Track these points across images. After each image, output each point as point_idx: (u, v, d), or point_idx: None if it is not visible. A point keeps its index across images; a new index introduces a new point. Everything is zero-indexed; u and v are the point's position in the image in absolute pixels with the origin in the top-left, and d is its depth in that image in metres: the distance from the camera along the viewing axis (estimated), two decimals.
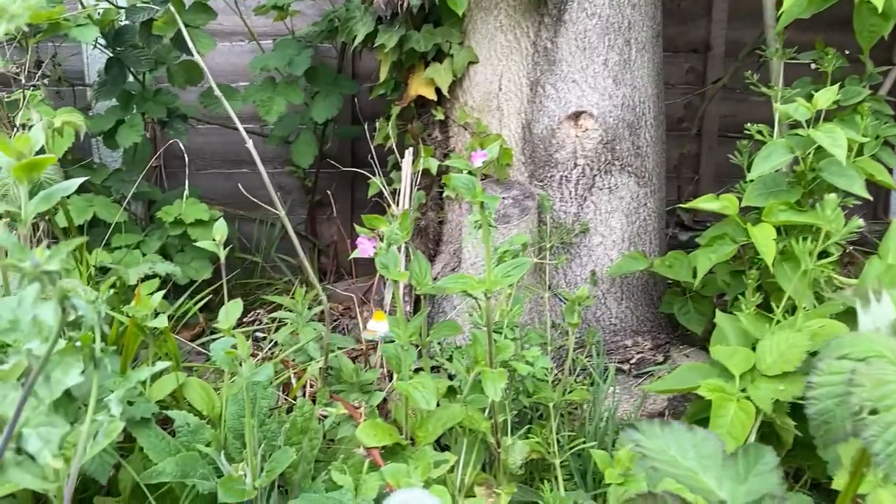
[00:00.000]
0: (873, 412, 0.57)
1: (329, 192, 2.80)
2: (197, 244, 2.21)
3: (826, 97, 1.39)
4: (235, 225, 2.84)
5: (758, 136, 1.65)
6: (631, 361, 1.90)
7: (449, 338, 2.08)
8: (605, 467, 1.00)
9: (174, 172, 2.88)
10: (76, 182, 0.97)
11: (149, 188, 2.45)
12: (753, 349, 1.32)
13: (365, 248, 1.14)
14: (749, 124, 1.68)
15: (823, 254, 1.38)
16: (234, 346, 1.18)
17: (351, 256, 1.20)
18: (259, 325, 2.12)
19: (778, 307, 1.37)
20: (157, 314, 1.34)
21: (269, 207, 1.55)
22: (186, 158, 2.36)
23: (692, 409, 1.43)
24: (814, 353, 1.25)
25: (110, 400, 0.73)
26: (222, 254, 1.46)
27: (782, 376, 1.21)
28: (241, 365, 1.19)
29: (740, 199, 1.55)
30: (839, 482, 1.09)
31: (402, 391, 1.22)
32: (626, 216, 1.95)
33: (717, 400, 1.19)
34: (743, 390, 1.24)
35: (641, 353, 1.92)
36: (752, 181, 1.52)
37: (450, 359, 1.82)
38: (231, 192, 2.93)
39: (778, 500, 0.70)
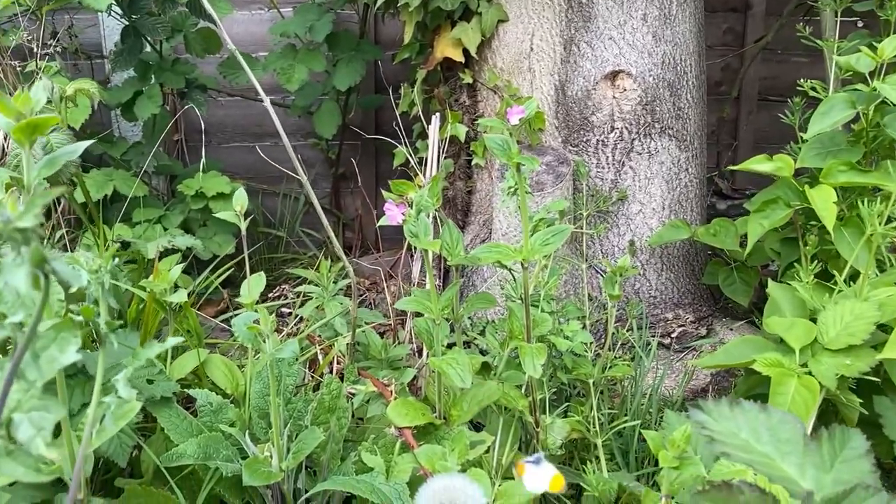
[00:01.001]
0: None
1: (353, 163, 2.72)
2: (218, 216, 2.17)
3: (894, 45, 1.27)
4: (258, 199, 2.78)
5: (812, 93, 1.53)
6: (672, 335, 1.81)
7: (479, 312, 2.00)
8: (658, 449, 0.92)
9: (196, 147, 2.82)
10: (83, 145, 0.90)
11: (170, 162, 2.39)
12: (811, 322, 1.22)
13: (393, 214, 1.06)
14: (802, 80, 1.56)
15: (888, 219, 1.28)
16: (257, 322, 1.11)
17: (378, 224, 1.12)
18: (284, 300, 2.06)
19: (837, 276, 1.26)
20: (176, 288, 1.28)
21: (295, 175, 1.47)
22: (203, 128, 2.29)
23: (743, 386, 1.34)
24: (881, 326, 1.15)
25: (118, 381, 0.67)
26: (243, 225, 1.39)
27: (847, 350, 1.11)
28: (264, 341, 1.13)
29: (794, 161, 1.43)
30: None
31: (435, 368, 1.14)
32: (667, 182, 1.84)
33: (777, 376, 1.10)
34: (803, 365, 1.14)
35: (683, 326, 1.82)
36: (807, 140, 1.41)
37: (482, 333, 1.74)
38: (253, 165, 2.87)
39: (872, 490, 0.61)
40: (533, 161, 1.06)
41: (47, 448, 0.48)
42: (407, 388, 1.40)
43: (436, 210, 1.27)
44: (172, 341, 0.75)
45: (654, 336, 1.75)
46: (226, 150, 2.86)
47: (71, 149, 0.90)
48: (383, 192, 1.09)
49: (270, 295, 2.17)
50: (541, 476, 0.86)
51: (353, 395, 1.32)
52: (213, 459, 1.09)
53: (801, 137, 1.57)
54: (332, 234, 1.44)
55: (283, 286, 2.28)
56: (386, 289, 2.18)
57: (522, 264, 1.18)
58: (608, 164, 1.82)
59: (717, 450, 0.67)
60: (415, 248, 2.05)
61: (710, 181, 2.82)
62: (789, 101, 1.62)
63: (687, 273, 1.91)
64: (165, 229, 2.06)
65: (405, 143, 2.00)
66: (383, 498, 1.04)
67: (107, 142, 2.21)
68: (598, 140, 1.81)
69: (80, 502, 1.00)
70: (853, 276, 1.31)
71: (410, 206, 1.11)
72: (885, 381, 1.21)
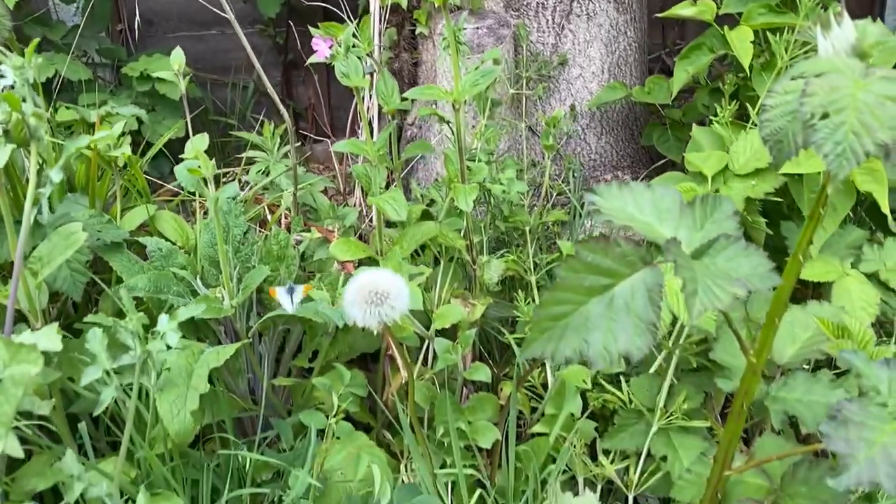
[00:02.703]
0: (824, 116, 0.55)
1: (300, 51, 2.69)
2: (166, 98, 2.16)
3: None
4: (208, 89, 2.75)
5: None
6: None
7: (429, 183, 2.06)
8: (568, 250, 1.01)
9: (141, 38, 2.76)
10: None
11: (113, 46, 2.35)
12: (725, 153, 1.30)
13: (321, 50, 1.09)
14: None
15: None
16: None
17: (308, 62, 1.15)
18: (233, 178, 2.09)
19: (752, 112, 1.34)
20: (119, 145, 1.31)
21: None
22: (144, 14, 2.25)
23: None
24: None
25: (51, 172, 0.71)
26: (182, 84, 1.41)
27: (755, 173, 1.20)
28: (207, 185, 1.18)
29: (718, 7, 1.48)
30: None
31: (373, 204, 1.21)
32: (606, 45, 1.88)
33: (689, 199, 1.18)
34: (716, 191, 1.23)
35: None
36: None
37: (430, 199, 1.81)
38: (201, 55, 2.83)
39: (733, 238, 0.70)
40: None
41: None
42: (350, 234, 1.47)
43: (369, 58, 1.30)
44: (101, 133, 0.79)
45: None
46: (172, 40, 2.80)
47: None
48: (311, 29, 1.12)
49: (223, 180, 2.20)
50: (294, 294, 1.07)
51: (300, 242, 1.38)
52: (164, 293, 1.16)
53: None
54: (273, 94, 1.47)
55: (233, 170, 2.31)
56: (337, 169, 2.23)
57: (454, 106, 1.23)
58: (548, 27, 1.85)
59: (602, 220, 0.75)
60: (360, 129, 2.08)
61: (658, 59, 2.85)
62: None
63: (626, 137, 1.98)
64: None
65: (351, 20, 1.99)
66: (326, 318, 1.12)
67: (44, 24, 2.16)
68: (538, 3, 1.83)
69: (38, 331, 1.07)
70: None
71: (340, 46, 1.14)
72: (793, 209, 1.31)
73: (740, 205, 1.20)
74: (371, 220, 1.81)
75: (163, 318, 0.75)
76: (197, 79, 2.73)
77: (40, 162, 0.72)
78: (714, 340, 1.13)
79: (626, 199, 0.77)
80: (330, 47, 1.09)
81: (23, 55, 1.51)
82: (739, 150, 1.24)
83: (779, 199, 1.22)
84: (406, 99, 1.31)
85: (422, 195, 1.77)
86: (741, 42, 1.33)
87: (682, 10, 1.45)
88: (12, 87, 0.67)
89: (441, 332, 1.22)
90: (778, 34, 1.31)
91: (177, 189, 1.74)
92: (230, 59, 2.89)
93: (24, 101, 0.66)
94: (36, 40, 0.76)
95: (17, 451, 0.60)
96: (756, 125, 1.32)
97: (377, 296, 0.84)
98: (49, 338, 0.68)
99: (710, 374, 1.21)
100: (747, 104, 1.41)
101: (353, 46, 1.13)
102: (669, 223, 0.75)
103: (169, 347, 0.73)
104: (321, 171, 2.44)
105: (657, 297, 0.67)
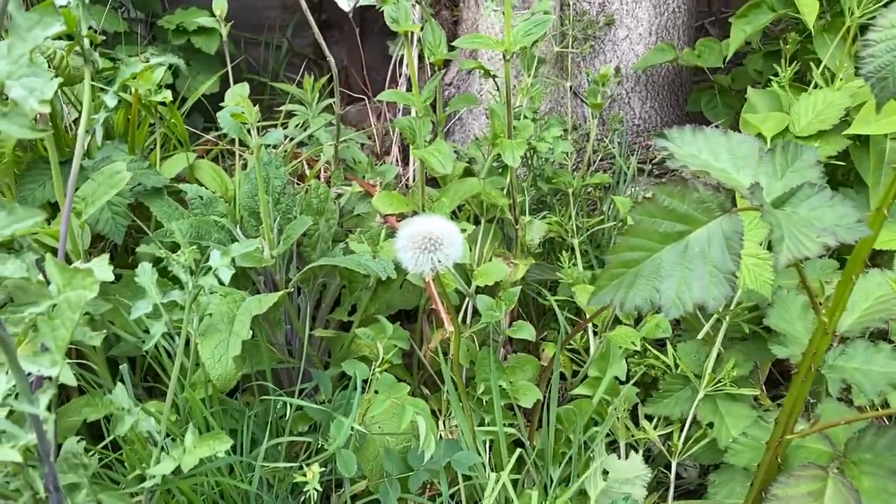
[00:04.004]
0: None
1: (336, 11, 2.64)
2: (202, 53, 2.13)
3: None
4: (241, 47, 2.72)
5: None
6: (653, 161, 1.84)
7: (467, 143, 2.02)
8: (625, 207, 0.97)
9: None
10: None
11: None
12: (785, 115, 1.24)
13: None
14: None
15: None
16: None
17: (359, 2, 1.11)
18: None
19: (814, 72, 1.28)
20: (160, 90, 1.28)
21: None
22: None
23: None
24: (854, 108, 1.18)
25: (106, 95, 0.69)
26: (224, 31, 1.38)
27: (817, 135, 1.15)
28: (249, 133, 1.15)
29: None
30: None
31: (418, 157, 1.18)
32: (654, 7, 1.81)
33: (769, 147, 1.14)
34: None
35: None
36: None
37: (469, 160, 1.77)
38: (234, 13, 2.79)
39: (817, 188, 0.66)
40: None
41: (40, 104, 0.50)
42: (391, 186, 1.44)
43: (416, 3, 1.26)
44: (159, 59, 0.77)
45: (633, 160, 1.78)
46: None
47: None
48: None
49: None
50: None
51: (340, 195, 1.36)
52: (205, 240, 1.14)
53: None
54: (320, 38, 1.43)
55: (270, 124, 2.29)
56: (374, 128, 2.19)
57: (504, 56, 1.19)
58: None
59: (677, 165, 0.71)
60: (399, 79, 2.04)
61: (702, 28, 2.77)
62: None
63: (671, 102, 1.92)
64: None
65: None
66: (369, 270, 1.10)
67: None
68: None
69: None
70: (831, 79, 1.33)
71: None
72: (853, 175, 1.26)
73: None
74: (408, 182, 1.78)
75: (215, 254, 0.73)
76: (230, 36, 2.70)
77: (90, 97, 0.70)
78: (769, 306, 1.09)
79: (700, 144, 0.73)
80: None
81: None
82: (801, 110, 1.18)
83: (840, 163, 1.17)
84: (454, 48, 1.27)
85: (460, 154, 1.74)
86: (806, 0, 1.27)
87: None
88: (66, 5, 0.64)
89: (481, 291, 1.20)
90: None
91: (214, 140, 1.72)
92: (263, 17, 2.85)
93: (79, 19, 0.64)
94: None
95: (71, 379, 0.59)
96: (818, 87, 1.26)
97: (431, 242, 0.81)
98: (101, 268, 0.66)
99: (759, 343, 1.18)
100: (809, 66, 1.35)
101: None
102: (747, 171, 0.71)
103: (221, 283, 0.71)
104: (355, 131, 2.41)
105: (736, 246, 0.64)
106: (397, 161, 1.82)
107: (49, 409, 0.58)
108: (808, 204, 0.65)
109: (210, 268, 0.70)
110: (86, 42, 0.64)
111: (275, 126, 2.01)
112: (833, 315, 0.75)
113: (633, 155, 1.87)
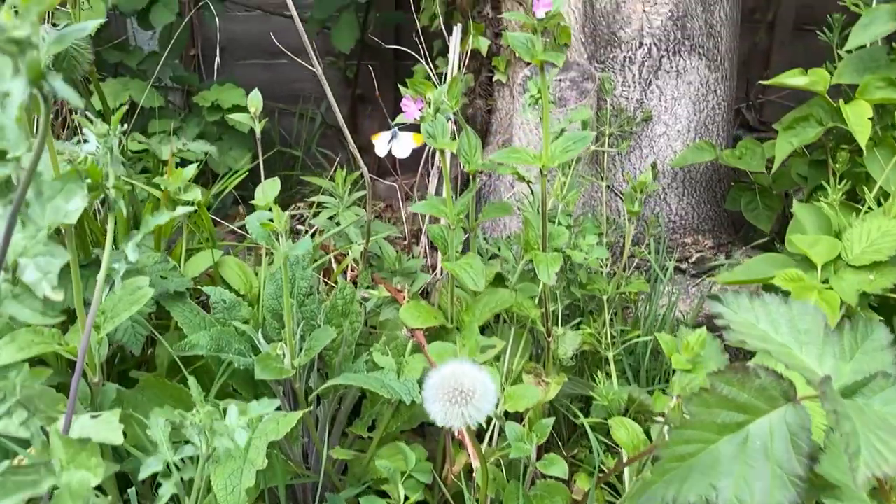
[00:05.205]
0: None
1: (373, 78, 2.67)
2: (234, 129, 2.14)
3: None
4: (275, 118, 2.74)
5: (854, 9, 1.46)
6: (690, 260, 1.79)
7: (495, 231, 1.98)
8: (671, 353, 0.91)
9: (213, 64, 2.77)
10: (93, 23, 0.87)
11: (186, 73, 2.36)
12: (836, 239, 1.18)
13: (410, 110, 1.03)
14: None
15: None
16: (271, 220, 1.10)
17: (394, 122, 1.09)
18: (300, 217, 2.05)
19: (867, 194, 1.22)
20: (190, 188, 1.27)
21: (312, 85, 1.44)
22: (220, 43, 2.25)
23: None
24: None
25: (127, 246, 0.66)
26: (258, 127, 1.37)
27: (871, 266, 1.09)
28: (278, 239, 1.12)
29: (830, 77, 1.38)
30: None
31: (449, 271, 1.13)
32: (694, 103, 1.78)
33: (797, 290, 1.08)
34: (825, 282, 1.12)
35: (701, 252, 1.80)
36: (845, 56, 1.34)
37: (498, 250, 1.73)
38: (269, 84, 2.82)
39: (893, 379, 0.60)
40: (558, 57, 1.02)
41: (53, 291, 0.47)
42: (419, 296, 1.40)
43: (455, 122, 1.24)
44: (182, 210, 0.74)
45: (670, 260, 1.72)
46: (242, 67, 2.82)
47: (80, 27, 0.87)
48: (400, 86, 1.06)
49: (286, 212, 2.16)
50: (396, 141, 1.03)
51: (366, 299, 1.31)
52: (225, 352, 1.10)
53: (838, 56, 1.50)
54: (351, 142, 1.41)
55: (298, 204, 2.28)
56: (402, 209, 2.16)
57: (542, 171, 1.15)
58: (634, 82, 1.76)
59: (734, 339, 0.65)
60: (431, 167, 2.03)
61: (738, 113, 2.74)
62: (825, 26, 1.55)
63: (709, 199, 1.87)
64: (181, 140, 2.04)
65: (426, 59, 1.94)
66: (393, 393, 1.04)
67: (122, 50, 2.17)
68: (625, 57, 1.75)
69: (95, 385, 1.02)
70: (883, 199, 1.27)
71: (428, 105, 1.08)
72: None
73: (853, 299, 1.08)
74: (437, 268, 1.74)
75: (232, 412, 0.68)
76: (264, 107, 2.73)
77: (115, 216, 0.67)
78: (821, 451, 1.01)
79: (759, 312, 0.68)
80: (420, 109, 1.02)
81: (100, 84, 1.48)
82: (854, 237, 1.12)
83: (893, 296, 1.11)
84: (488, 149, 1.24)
85: (487, 249, 1.69)
86: (858, 118, 1.22)
87: (792, 80, 1.35)
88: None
89: (509, 415, 1.14)
90: None
91: (241, 230, 1.70)
92: (298, 88, 2.88)
93: (106, 172, 0.61)
94: (122, 111, 0.71)
95: None
96: (871, 209, 1.20)
97: (462, 395, 0.76)
98: (110, 428, 0.61)
99: (809, 491, 1.09)
100: (858, 178, 1.30)
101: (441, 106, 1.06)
102: (811, 349, 0.65)
103: (237, 446, 0.66)
104: (384, 210, 2.39)
105: (803, 443, 0.58)
106: (426, 251, 1.78)
107: None
108: (882, 397, 0.59)
109: (227, 428, 0.65)
110: (111, 193, 0.62)
111: (300, 208, 1.99)
112: None
113: (669, 253, 1.81)
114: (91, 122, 0.64)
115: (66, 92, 0.38)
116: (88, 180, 0.58)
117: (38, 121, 1.21)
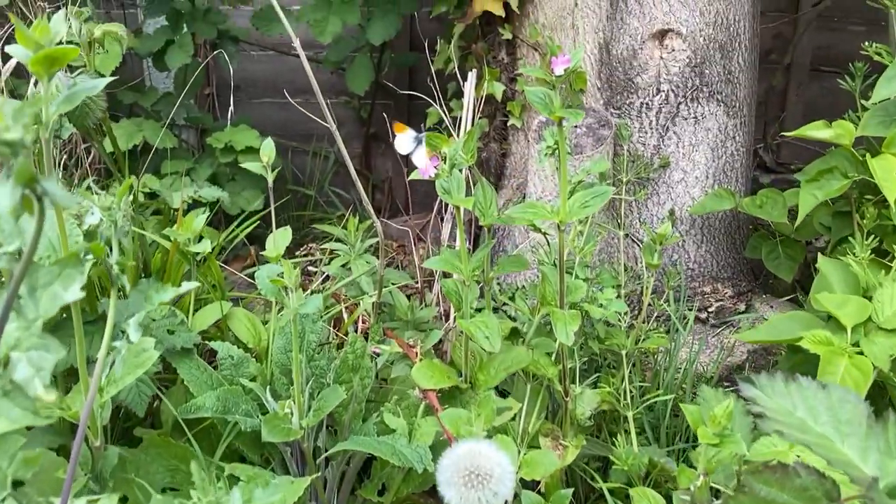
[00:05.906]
0: None
1: (385, 119, 2.66)
2: (247, 170, 2.13)
3: None
4: (288, 157, 2.74)
5: (877, 58, 1.43)
6: (709, 310, 1.74)
7: (509, 278, 1.95)
8: (697, 425, 0.87)
9: (227, 103, 2.78)
10: (103, 81, 0.85)
11: (200, 114, 2.36)
12: (866, 299, 1.14)
13: (426, 169, 1.00)
14: (866, 44, 1.46)
15: None
16: (281, 275, 1.07)
17: (409, 178, 1.07)
18: (310, 258, 2.03)
19: None
20: (200, 239, 1.24)
21: (323, 124, 1.42)
22: (234, 83, 2.25)
23: (785, 365, 1.27)
24: None
25: (129, 324, 0.63)
26: (270, 177, 1.35)
27: None
28: (288, 295, 1.09)
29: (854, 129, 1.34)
30: None
31: (464, 330, 1.10)
32: (713, 150, 1.75)
33: (827, 355, 1.03)
34: (855, 345, 1.08)
35: (721, 301, 1.75)
36: (870, 108, 1.31)
37: (511, 299, 1.69)
38: (283, 123, 2.83)
39: None
40: (577, 114, 0.99)
41: (45, 390, 0.44)
42: (432, 351, 1.36)
43: (469, 168, 1.22)
44: (187, 286, 0.71)
45: (690, 309, 1.68)
46: (256, 106, 2.82)
47: (91, 84, 0.85)
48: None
49: (297, 253, 2.14)
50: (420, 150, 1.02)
51: (378, 354, 1.28)
52: (232, 413, 1.07)
53: (861, 105, 1.47)
54: (362, 192, 1.39)
55: (310, 245, 2.25)
56: (414, 251, 2.14)
57: (559, 226, 1.12)
58: (651, 128, 1.74)
59: (770, 428, 0.61)
60: (445, 210, 2.00)
61: (755, 154, 2.71)
62: (846, 74, 1.52)
63: (728, 246, 1.83)
64: (193, 182, 2.03)
65: (440, 102, 1.93)
66: (404, 460, 1.00)
67: (137, 91, 2.17)
68: (641, 103, 1.73)
69: (96, 449, 0.98)
70: None
71: (444, 160, 1.06)
72: None
73: (886, 364, 1.04)
74: (450, 316, 1.70)
75: (235, 496, 0.64)
76: (278, 146, 2.73)
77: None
78: None
79: (795, 398, 0.64)
80: (435, 167, 1.00)
81: (112, 128, 1.46)
82: (885, 298, 1.08)
83: None
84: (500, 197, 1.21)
85: (503, 289, 1.66)
86: (886, 173, 1.19)
87: (817, 133, 1.32)
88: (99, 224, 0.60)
89: (526, 483, 1.09)
90: None
91: (250, 280, 1.67)
92: (311, 127, 2.88)
93: (109, 248, 0.59)
94: (129, 182, 0.69)
95: None
96: None
97: (478, 478, 0.72)
98: None
99: None
100: (886, 233, 1.26)
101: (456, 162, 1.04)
102: (853, 441, 0.60)
103: None
104: (396, 250, 2.37)
105: None
106: (439, 298, 1.75)
107: None
108: None
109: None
110: (115, 269, 0.59)
111: (311, 251, 1.97)
112: None
113: (688, 301, 1.77)
114: (97, 194, 0.62)
115: (59, 195, 0.36)
116: (90, 257, 0.56)
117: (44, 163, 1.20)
